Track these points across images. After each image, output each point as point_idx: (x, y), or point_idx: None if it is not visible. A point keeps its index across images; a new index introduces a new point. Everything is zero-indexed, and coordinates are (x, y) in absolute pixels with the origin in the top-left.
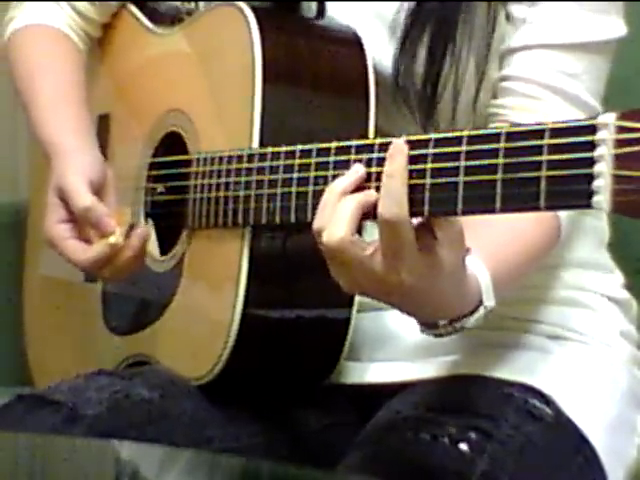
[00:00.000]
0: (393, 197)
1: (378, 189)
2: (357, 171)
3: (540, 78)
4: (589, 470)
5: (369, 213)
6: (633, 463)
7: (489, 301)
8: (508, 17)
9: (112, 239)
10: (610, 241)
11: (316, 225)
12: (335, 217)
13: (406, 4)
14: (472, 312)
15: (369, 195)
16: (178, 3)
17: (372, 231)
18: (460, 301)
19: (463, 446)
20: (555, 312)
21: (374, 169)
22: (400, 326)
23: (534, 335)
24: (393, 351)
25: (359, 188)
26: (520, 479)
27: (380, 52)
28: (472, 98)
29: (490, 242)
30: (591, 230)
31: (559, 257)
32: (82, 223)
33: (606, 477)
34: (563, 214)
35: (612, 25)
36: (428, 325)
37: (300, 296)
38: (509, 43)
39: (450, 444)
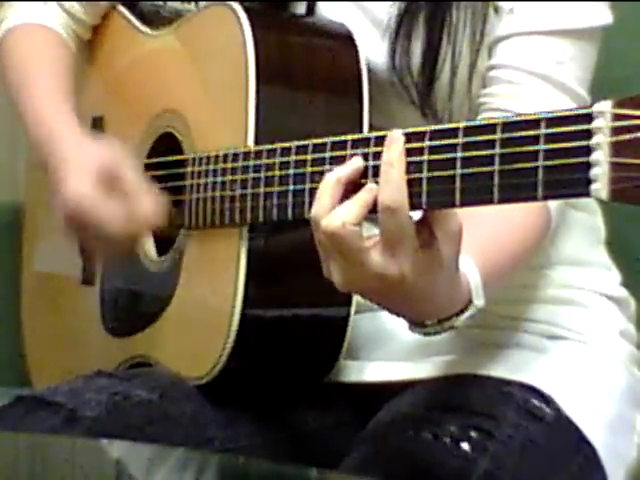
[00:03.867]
0: (393, 184)
1: (376, 183)
2: (355, 162)
3: (525, 65)
4: (589, 469)
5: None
6: (633, 462)
7: (478, 300)
8: (496, 9)
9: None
10: (610, 240)
11: (313, 212)
12: (339, 205)
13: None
14: (461, 311)
15: (371, 190)
16: (178, 4)
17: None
18: (451, 300)
19: (464, 445)
20: (553, 311)
21: (370, 162)
22: (398, 326)
23: (532, 334)
24: (391, 351)
25: (355, 181)
26: (521, 478)
27: (371, 49)
28: (467, 81)
29: (478, 238)
30: (587, 228)
31: (555, 255)
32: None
33: (606, 476)
34: (553, 205)
35: (598, 12)
36: (416, 324)
37: (299, 295)
38: (496, 33)
39: (451, 443)
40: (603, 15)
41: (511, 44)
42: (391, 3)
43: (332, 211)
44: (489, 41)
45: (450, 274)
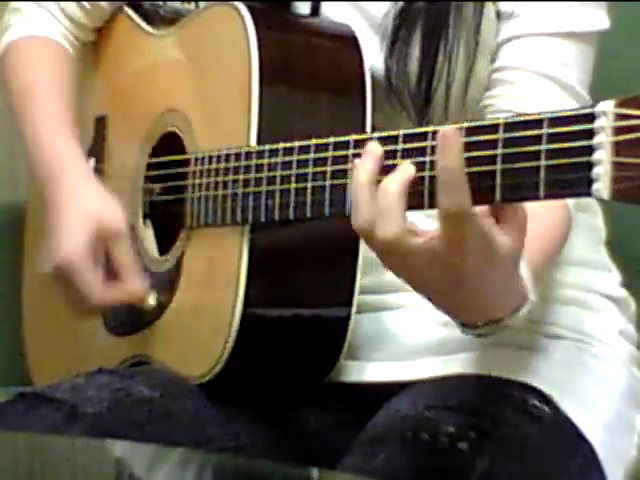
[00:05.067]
0: (455, 190)
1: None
2: (374, 151)
3: (531, 66)
4: (588, 470)
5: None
6: (632, 462)
7: (532, 296)
8: (499, 15)
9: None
10: (610, 240)
11: (360, 223)
12: (382, 210)
13: (394, 4)
14: (517, 309)
15: (406, 172)
16: (178, 4)
17: None
18: (510, 296)
19: (463, 445)
20: (553, 311)
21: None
22: (399, 327)
23: (532, 334)
24: (392, 351)
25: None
26: (520, 478)
27: (371, 54)
28: (462, 93)
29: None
30: (587, 228)
31: None
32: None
33: (605, 477)
34: (571, 205)
35: (597, 17)
36: (469, 325)
37: (300, 295)
38: (499, 37)
39: (450, 443)
40: (602, 20)
41: (515, 46)
42: (390, 6)
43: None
44: (491, 48)
45: (515, 266)
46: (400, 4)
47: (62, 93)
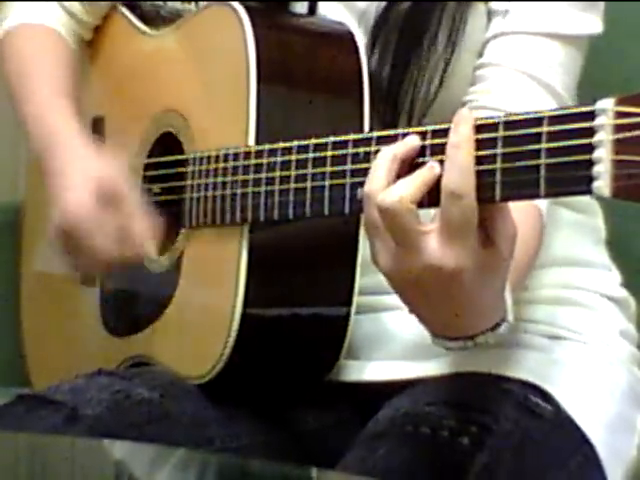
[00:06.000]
0: (459, 168)
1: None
2: (411, 141)
3: (511, 63)
4: (588, 469)
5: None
6: (632, 462)
7: (510, 315)
8: (489, 16)
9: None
10: (610, 240)
11: (367, 187)
12: (398, 181)
13: (376, 5)
14: (493, 328)
15: (432, 169)
16: (178, 4)
17: None
18: (490, 311)
19: (463, 440)
20: (553, 312)
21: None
22: (398, 327)
23: (533, 335)
24: (392, 350)
25: (411, 161)
26: (519, 474)
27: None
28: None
29: None
30: (587, 229)
31: (556, 256)
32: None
33: (605, 476)
34: (543, 205)
35: (589, 21)
36: (441, 336)
37: (299, 294)
38: (487, 33)
39: (450, 438)
40: (593, 25)
41: (500, 43)
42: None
43: (389, 187)
44: (477, 48)
45: (502, 282)
46: (380, 8)
47: (60, 71)
